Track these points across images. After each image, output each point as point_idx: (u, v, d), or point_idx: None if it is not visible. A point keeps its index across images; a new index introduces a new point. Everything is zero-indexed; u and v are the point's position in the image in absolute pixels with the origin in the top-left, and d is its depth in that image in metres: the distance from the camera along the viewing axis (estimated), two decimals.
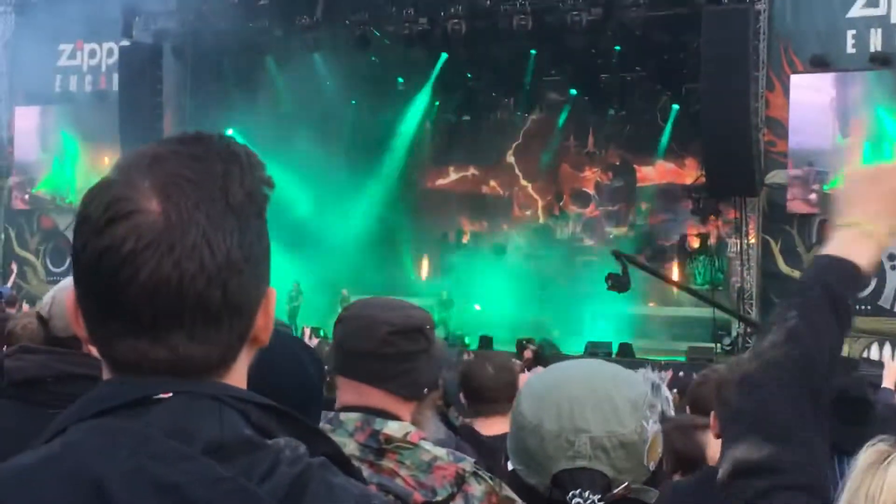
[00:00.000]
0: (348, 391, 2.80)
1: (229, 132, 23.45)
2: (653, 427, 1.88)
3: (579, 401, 1.87)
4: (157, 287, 1.27)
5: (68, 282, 3.86)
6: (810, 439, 1.72)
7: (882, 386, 6.35)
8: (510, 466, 1.93)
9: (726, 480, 1.68)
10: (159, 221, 1.27)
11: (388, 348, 2.82)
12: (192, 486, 1.21)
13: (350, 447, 2.70)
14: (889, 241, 1.88)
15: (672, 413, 5.98)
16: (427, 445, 2.75)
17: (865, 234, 1.86)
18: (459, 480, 2.70)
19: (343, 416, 2.73)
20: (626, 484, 1.82)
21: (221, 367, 1.34)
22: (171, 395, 1.28)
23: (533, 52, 24.61)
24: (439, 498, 2.67)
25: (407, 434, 2.74)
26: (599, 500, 1.77)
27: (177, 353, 1.30)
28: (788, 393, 1.71)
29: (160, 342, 1.29)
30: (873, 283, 17.61)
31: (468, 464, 2.77)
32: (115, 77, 26.05)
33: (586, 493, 1.78)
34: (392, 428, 2.74)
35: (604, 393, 1.88)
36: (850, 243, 1.86)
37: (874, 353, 16.63)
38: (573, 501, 1.78)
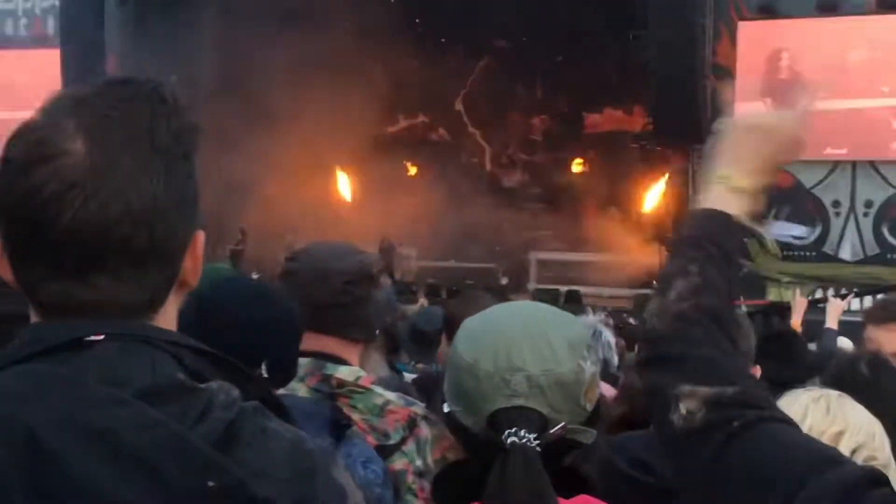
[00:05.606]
0: None
1: (174, 78, 23.26)
2: (590, 368, 1.88)
3: (515, 339, 1.86)
4: (81, 230, 1.24)
5: None
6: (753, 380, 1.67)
7: (826, 326, 6.37)
8: (446, 408, 1.90)
9: (704, 418, 1.56)
10: (83, 163, 1.25)
11: (345, 297, 2.81)
12: (125, 431, 1.18)
13: (301, 392, 2.68)
14: (755, 201, 1.82)
15: (615, 358, 5.97)
16: (379, 390, 2.75)
17: (735, 190, 1.80)
18: (411, 424, 2.71)
19: None
20: (563, 424, 1.81)
21: (149, 309, 1.33)
22: (102, 337, 1.26)
23: None
24: (392, 441, 2.68)
25: (358, 378, 2.74)
26: (535, 439, 1.76)
27: (102, 295, 1.28)
28: (715, 342, 1.64)
29: (85, 284, 1.27)
30: (818, 230, 17.80)
31: (419, 407, 2.79)
32: (50, 20, 25.50)
33: (522, 432, 1.77)
34: (343, 372, 2.74)
35: (539, 331, 1.88)
36: (722, 199, 1.80)
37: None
38: (508, 440, 1.77)
